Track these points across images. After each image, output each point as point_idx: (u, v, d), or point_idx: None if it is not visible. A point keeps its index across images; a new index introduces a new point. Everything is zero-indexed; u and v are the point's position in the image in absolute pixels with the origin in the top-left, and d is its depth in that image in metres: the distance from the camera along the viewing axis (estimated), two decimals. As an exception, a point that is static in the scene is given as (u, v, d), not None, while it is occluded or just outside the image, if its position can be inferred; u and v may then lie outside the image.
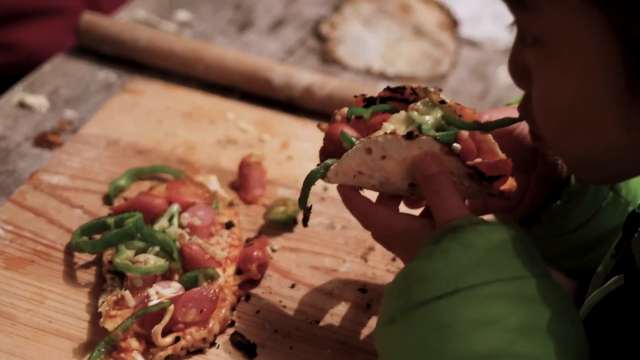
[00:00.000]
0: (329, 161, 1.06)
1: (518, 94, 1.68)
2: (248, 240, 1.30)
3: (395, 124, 1.05)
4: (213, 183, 1.37)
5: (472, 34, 1.85)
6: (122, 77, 1.64)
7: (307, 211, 1.10)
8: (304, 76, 1.60)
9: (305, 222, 1.11)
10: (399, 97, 1.10)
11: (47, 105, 1.55)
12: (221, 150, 1.47)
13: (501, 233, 0.95)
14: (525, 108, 0.96)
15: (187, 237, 1.22)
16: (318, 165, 1.06)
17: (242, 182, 1.39)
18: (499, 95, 1.70)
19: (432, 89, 1.07)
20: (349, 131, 1.06)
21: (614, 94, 0.84)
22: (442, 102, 1.06)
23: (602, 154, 0.89)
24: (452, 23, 1.86)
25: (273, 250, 1.29)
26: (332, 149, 1.08)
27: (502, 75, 1.74)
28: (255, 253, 1.23)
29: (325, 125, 1.10)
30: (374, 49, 1.78)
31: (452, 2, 1.91)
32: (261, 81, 1.61)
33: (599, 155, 0.90)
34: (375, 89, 1.65)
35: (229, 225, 1.28)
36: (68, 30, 1.78)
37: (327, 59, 1.75)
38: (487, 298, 0.90)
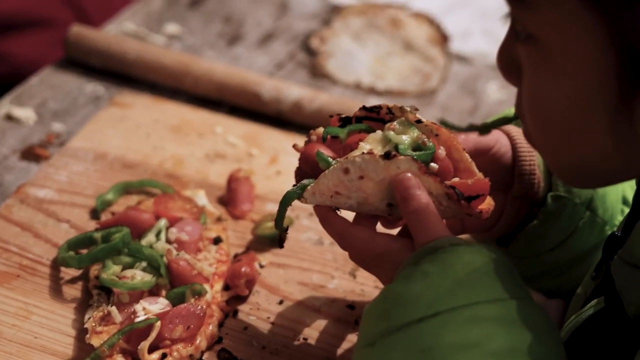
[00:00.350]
0: (305, 181, 1.04)
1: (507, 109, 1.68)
2: (236, 256, 1.29)
3: (371, 144, 1.04)
4: (201, 198, 1.36)
5: (462, 49, 1.85)
6: (111, 90, 1.63)
7: (284, 233, 1.09)
8: (293, 90, 1.60)
9: (280, 244, 1.11)
10: (375, 116, 1.09)
11: (34, 118, 1.54)
12: (209, 164, 1.46)
13: (481, 254, 0.94)
14: (518, 104, 0.94)
15: (174, 252, 1.21)
16: (294, 185, 1.06)
17: (230, 197, 1.38)
18: (489, 111, 1.69)
19: (408, 108, 1.06)
20: (325, 151, 1.05)
21: (603, 100, 0.83)
22: (419, 121, 1.05)
23: (588, 159, 0.88)
24: (442, 38, 1.86)
25: (261, 266, 1.28)
26: (308, 169, 1.07)
27: (492, 91, 1.74)
28: (243, 269, 1.23)
29: (300, 146, 1.10)
30: (364, 64, 1.78)
31: (442, 17, 1.91)
32: (250, 95, 1.60)
33: (585, 160, 0.88)
34: (364, 104, 1.65)
35: (216, 241, 1.27)
36: (57, 42, 1.78)
37: (317, 73, 1.75)
38: (467, 321, 0.88)
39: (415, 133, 1.04)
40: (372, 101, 1.69)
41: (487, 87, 1.75)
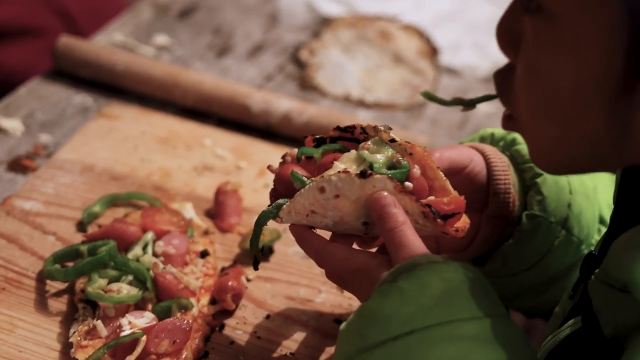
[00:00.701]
0: (280, 201, 1.05)
1: (497, 122, 1.68)
2: (223, 270, 1.28)
3: (346, 163, 1.04)
4: (188, 211, 1.35)
5: (452, 62, 1.85)
6: (99, 102, 1.62)
7: (259, 254, 1.09)
8: (282, 103, 1.59)
9: (256, 266, 1.10)
10: (349, 136, 1.09)
11: (22, 129, 1.54)
12: (197, 177, 1.46)
13: (458, 272, 0.93)
14: (504, 79, 0.92)
15: (161, 266, 1.21)
16: (269, 206, 1.05)
17: (217, 210, 1.38)
18: (478, 124, 1.69)
19: (381, 128, 1.07)
20: (300, 171, 1.06)
21: (606, 81, 0.81)
22: (392, 140, 1.06)
23: (575, 143, 0.86)
24: (432, 51, 1.86)
25: (248, 280, 1.28)
26: (282, 190, 1.07)
27: (481, 104, 1.73)
28: (230, 283, 1.22)
29: (275, 167, 1.10)
30: (353, 76, 1.78)
31: (432, 30, 1.91)
32: (239, 107, 1.60)
33: (571, 143, 0.86)
34: (354, 116, 1.65)
35: (203, 254, 1.27)
36: (46, 51, 1.77)
37: (306, 86, 1.75)
38: (443, 339, 0.88)
39: (389, 152, 1.05)
40: (361, 114, 1.69)
41: (476, 100, 1.74)
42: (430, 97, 1.10)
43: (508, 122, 0.95)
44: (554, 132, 0.87)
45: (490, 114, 1.71)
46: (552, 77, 0.84)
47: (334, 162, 1.05)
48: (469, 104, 1.07)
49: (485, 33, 1.88)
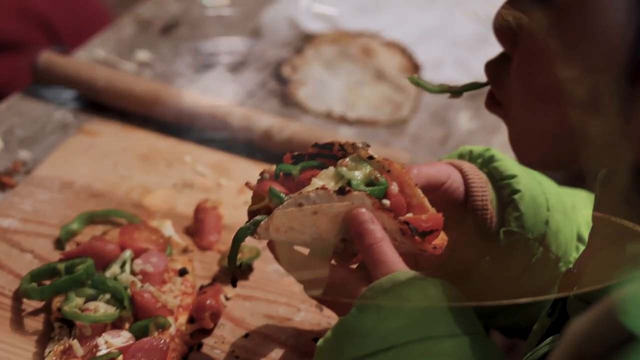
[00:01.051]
0: (258, 217, 1.04)
1: (479, 139, 1.68)
2: (202, 288, 1.27)
3: (324, 180, 1.04)
4: (168, 228, 1.35)
5: (434, 79, 1.83)
6: (79, 118, 1.61)
7: (237, 270, 1.09)
8: (263, 119, 1.59)
9: (234, 283, 1.10)
10: (327, 153, 1.09)
11: (1, 146, 1.53)
12: (177, 194, 1.45)
13: (436, 289, 0.94)
14: (497, 67, 0.91)
15: (138, 284, 1.20)
16: (247, 222, 1.05)
17: (197, 228, 1.37)
18: (460, 141, 1.69)
19: (360, 145, 1.07)
20: (278, 188, 1.05)
21: (608, 80, 0.80)
22: (370, 157, 1.06)
23: (567, 139, 0.85)
24: (414, 67, 1.86)
25: (227, 299, 1.27)
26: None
27: (463, 121, 1.73)
28: (208, 301, 1.21)
29: (253, 184, 1.09)
30: (335, 92, 1.78)
31: (414, 47, 1.91)
32: (220, 124, 1.59)
33: (563, 139, 0.86)
34: (335, 133, 1.64)
35: (182, 273, 1.26)
36: (30, 65, 1.76)
37: (288, 102, 1.74)
38: (421, 355, 0.88)
39: (367, 169, 1.05)
40: (343, 130, 1.68)
41: (458, 117, 1.75)
42: (417, 82, 1.10)
43: (494, 105, 0.94)
44: (547, 126, 0.86)
45: (472, 131, 1.71)
46: (552, 71, 0.83)
47: (312, 179, 1.05)
48: (456, 92, 1.07)
49: (467, 50, 1.88)
